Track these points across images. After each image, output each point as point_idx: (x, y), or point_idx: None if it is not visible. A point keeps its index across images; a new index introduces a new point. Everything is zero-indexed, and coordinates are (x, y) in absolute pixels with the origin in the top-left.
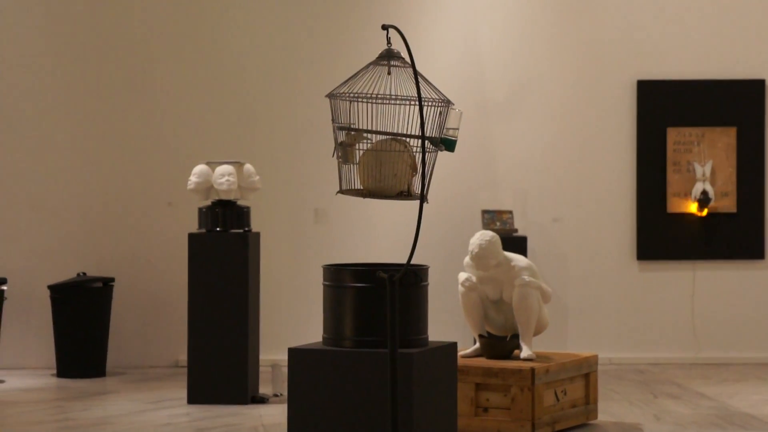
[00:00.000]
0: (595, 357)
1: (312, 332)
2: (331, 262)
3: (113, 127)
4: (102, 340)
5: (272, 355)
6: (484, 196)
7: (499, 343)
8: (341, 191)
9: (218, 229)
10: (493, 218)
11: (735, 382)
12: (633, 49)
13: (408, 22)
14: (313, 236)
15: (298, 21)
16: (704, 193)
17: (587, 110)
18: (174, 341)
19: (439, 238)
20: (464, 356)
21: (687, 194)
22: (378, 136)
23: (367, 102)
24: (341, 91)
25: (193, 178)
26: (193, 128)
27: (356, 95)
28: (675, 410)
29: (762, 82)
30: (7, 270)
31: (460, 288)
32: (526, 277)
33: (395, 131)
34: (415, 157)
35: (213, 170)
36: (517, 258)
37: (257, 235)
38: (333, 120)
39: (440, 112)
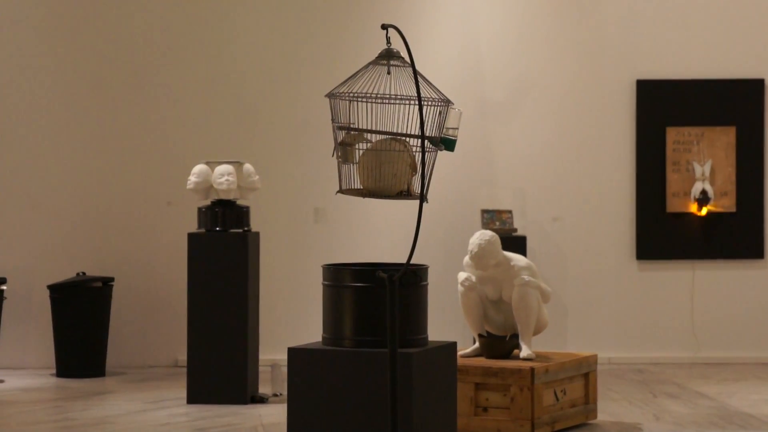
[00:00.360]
0: (595, 356)
1: (311, 332)
2: (330, 262)
3: (113, 127)
4: (101, 340)
5: (272, 354)
6: (484, 196)
7: (499, 343)
8: (341, 191)
9: (218, 228)
10: (492, 218)
11: (734, 382)
12: (632, 48)
13: (407, 22)
14: (313, 236)
15: (298, 21)
16: (704, 192)
17: (587, 110)
18: (173, 341)
19: (439, 238)
20: (464, 356)
21: (686, 194)
22: (378, 135)
23: (367, 102)
24: (341, 91)
25: (192, 178)
26: (192, 128)
27: (356, 95)
28: (674, 410)
29: (761, 81)
30: (7, 270)
31: (460, 287)
32: (526, 277)
33: (395, 131)
34: (414, 156)
35: (212, 170)
36: (516, 257)
37: (257, 234)
38: (333, 120)
39: (440, 112)
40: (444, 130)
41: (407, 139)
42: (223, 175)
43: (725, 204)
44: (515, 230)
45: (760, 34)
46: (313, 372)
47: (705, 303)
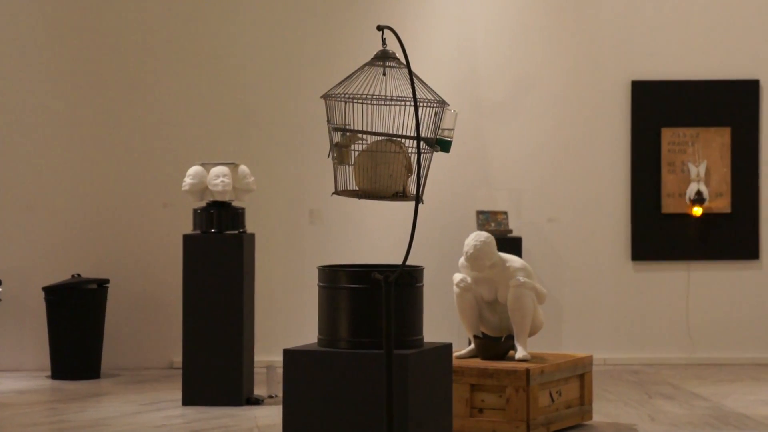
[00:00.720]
0: (590, 357)
1: (307, 333)
2: (326, 263)
3: (108, 129)
4: (97, 342)
5: (267, 356)
6: (479, 197)
7: (494, 344)
8: (336, 192)
9: (213, 230)
10: (487, 219)
11: (729, 383)
12: (627, 49)
13: (403, 23)
14: (308, 237)
15: (293, 22)
16: (699, 193)
17: (582, 110)
18: (169, 343)
19: (434, 239)
20: (459, 357)
21: (681, 194)
22: (373, 137)
23: (363, 103)
24: (336, 92)
25: (187, 179)
26: (188, 129)
27: (351, 96)
28: (670, 411)
29: (756, 82)
30: (2, 271)
31: (455, 289)
32: (521, 278)
33: (390, 132)
34: (410, 157)
35: (208, 171)
36: (511, 259)
37: (252, 236)
38: (328, 121)
39: (435, 113)
40: (439, 131)
41: (403, 140)
42: (218, 177)
43: (720, 205)
44: (510, 231)
45: (755, 35)
46: (308, 373)
47: (700, 304)
